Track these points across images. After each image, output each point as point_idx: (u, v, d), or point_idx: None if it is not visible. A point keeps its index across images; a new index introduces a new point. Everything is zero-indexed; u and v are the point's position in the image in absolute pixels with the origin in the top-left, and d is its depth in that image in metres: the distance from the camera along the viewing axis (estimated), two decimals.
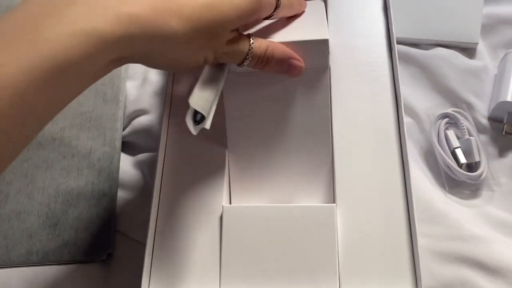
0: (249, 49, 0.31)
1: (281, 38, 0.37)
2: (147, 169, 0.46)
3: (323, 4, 0.41)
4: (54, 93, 0.23)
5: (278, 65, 0.34)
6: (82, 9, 0.23)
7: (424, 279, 0.34)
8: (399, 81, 0.40)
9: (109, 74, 0.49)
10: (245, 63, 0.32)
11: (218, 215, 0.38)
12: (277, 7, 0.33)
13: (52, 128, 0.48)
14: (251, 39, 0.32)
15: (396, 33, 0.42)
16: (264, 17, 0.33)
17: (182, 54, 0.29)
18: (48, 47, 0.22)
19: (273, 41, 0.34)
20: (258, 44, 0.32)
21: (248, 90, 0.41)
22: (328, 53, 0.39)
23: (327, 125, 0.41)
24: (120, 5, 0.24)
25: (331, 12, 0.45)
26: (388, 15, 0.44)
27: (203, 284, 0.37)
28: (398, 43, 0.42)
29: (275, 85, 0.43)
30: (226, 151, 0.41)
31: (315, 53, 0.39)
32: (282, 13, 0.34)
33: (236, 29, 0.30)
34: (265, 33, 0.39)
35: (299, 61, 0.35)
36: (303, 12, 0.39)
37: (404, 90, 0.47)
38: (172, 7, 0.26)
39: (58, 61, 0.22)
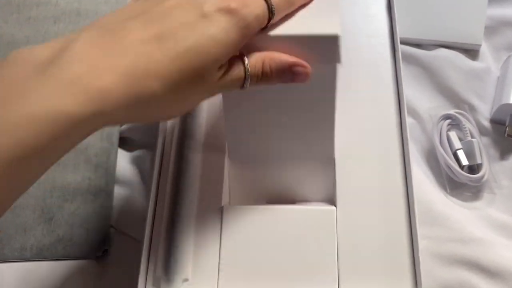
0: (246, 71, 0.28)
1: (282, 31, 0.30)
2: (145, 166, 0.46)
3: None
4: (19, 178, 0.21)
5: (279, 78, 0.29)
6: (47, 87, 0.21)
7: (424, 281, 0.33)
8: (402, 82, 0.40)
9: None
10: (245, 86, 0.29)
11: (218, 215, 0.38)
12: (270, 18, 0.28)
13: None
14: (244, 59, 0.28)
15: (399, 33, 0.42)
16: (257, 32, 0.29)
17: (172, 108, 0.27)
18: (8, 135, 0.20)
19: (269, 52, 0.29)
20: (253, 62, 0.28)
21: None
22: (339, 50, 0.32)
23: (330, 128, 0.38)
24: (89, 79, 0.22)
25: None
26: (392, 15, 0.44)
27: (200, 284, 0.36)
28: (401, 43, 0.42)
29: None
30: (226, 150, 0.40)
31: (322, 50, 0.32)
32: (280, 16, 0.29)
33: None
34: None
35: (303, 66, 0.30)
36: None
37: (406, 91, 0.46)
38: (149, 67, 0.23)
39: (21, 148, 0.20)
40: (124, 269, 0.41)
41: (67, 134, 0.21)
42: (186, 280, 0.36)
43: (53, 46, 0.23)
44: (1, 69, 0.22)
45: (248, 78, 0.28)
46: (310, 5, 0.32)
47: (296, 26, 0.31)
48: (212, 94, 0.28)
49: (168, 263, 0.36)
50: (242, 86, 0.28)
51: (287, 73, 0.29)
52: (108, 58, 0.23)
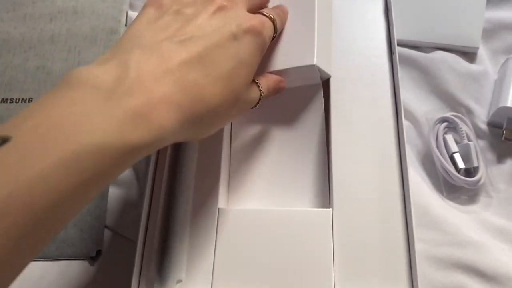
0: (260, 94, 0.32)
1: (275, 66, 0.38)
2: (140, 166, 0.45)
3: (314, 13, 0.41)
4: (79, 201, 0.22)
5: (274, 93, 0.36)
6: (113, 118, 0.23)
7: (420, 285, 0.33)
8: (400, 85, 0.40)
9: None
10: (257, 105, 0.33)
11: (214, 216, 0.38)
12: (276, 30, 0.35)
13: None
14: (258, 84, 0.32)
15: (397, 35, 0.42)
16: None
17: (210, 129, 0.30)
18: (78, 164, 0.21)
19: (266, 73, 0.36)
20: (265, 85, 0.33)
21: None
22: (318, 74, 0.40)
23: (321, 134, 0.41)
24: (149, 111, 0.24)
25: (330, 17, 0.45)
26: (390, 18, 0.44)
27: (194, 286, 0.36)
28: (398, 45, 0.42)
29: (272, 100, 0.43)
30: (222, 153, 0.40)
31: (306, 75, 0.40)
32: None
33: None
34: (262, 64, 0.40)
35: (283, 82, 0.37)
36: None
37: (403, 94, 0.46)
38: (196, 95, 0.26)
39: (87, 175, 0.21)
40: (117, 270, 0.41)
41: (127, 161, 0.23)
42: (180, 281, 0.35)
43: (110, 70, 0.24)
44: (66, 90, 0.23)
45: (261, 99, 0.32)
46: (291, 36, 0.40)
47: (282, 60, 0.38)
48: (241, 113, 0.32)
49: (162, 263, 0.36)
50: (256, 105, 0.33)
51: (278, 90, 0.36)
52: (162, 87, 0.25)
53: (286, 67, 0.39)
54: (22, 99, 0.48)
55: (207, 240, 0.37)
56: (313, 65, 0.38)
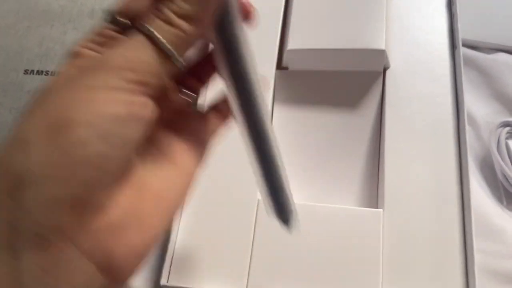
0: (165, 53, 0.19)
1: (337, 44, 0.37)
2: None
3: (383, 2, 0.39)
4: None
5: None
6: None
7: None
8: (462, 83, 0.37)
9: None
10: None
11: (253, 209, 0.35)
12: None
13: None
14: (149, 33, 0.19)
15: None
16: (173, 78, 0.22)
17: None
18: None
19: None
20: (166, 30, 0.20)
21: (298, 87, 0.40)
22: (384, 60, 0.38)
23: (376, 127, 0.39)
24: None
25: (392, 5, 0.42)
26: (453, 11, 0.41)
27: (229, 279, 0.33)
28: None
29: (325, 84, 0.40)
30: None
31: (370, 61, 0.38)
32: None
33: None
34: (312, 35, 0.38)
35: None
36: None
37: None
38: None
39: None
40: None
41: None
42: (214, 272, 0.33)
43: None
44: None
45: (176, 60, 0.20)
46: (360, 16, 0.38)
47: (347, 39, 0.37)
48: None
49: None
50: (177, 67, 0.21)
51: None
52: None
53: (350, 47, 0.37)
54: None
55: (245, 233, 0.35)
56: (383, 50, 0.36)
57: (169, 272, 0.34)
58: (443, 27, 0.41)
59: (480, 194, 0.39)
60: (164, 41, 0.18)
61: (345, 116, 0.40)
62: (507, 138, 0.40)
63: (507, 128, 0.40)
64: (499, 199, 0.39)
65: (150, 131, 0.19)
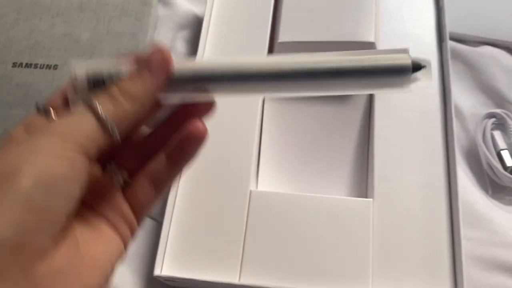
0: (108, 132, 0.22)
1: (326, 37, 0.37)
2: None
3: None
4: None
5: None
6: None
7: (466, 285, 0.31)
8: (450, 75, 0.38)
9: (133, 39, 0.46)
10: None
11: (245, 199, 0.36)
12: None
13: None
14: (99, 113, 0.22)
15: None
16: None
17: None
18: None
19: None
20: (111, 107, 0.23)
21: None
22: None
23: (365, 118, 0.39)
24: None
25: None
26: (441, 4, 0.42)
27: (223, 268, 0.34)
28: None
29: None
30: (256, 132, 0.38)
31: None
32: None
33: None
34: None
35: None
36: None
37: None
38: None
39: None
40: (141, 249, 0.39)
41: None
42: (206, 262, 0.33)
43: None
44: None
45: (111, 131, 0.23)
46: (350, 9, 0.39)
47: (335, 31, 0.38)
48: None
49: (188, 245, 0.34)
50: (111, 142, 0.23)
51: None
52: None
53: (340, 40, 0.38)
54: (47, 65, 0.46)
55: (238, 224, 0.35)
56: (372, 43, 0.37)
57: (163, 263, 0.34)
58: (431, 20, 0.42)
59: (467, 184, 0.39)
60: (103, 114, 0.20)
61: (335, 108, 0.40)
62: (492, 129, 0.41)
63: (492, 119, 0.41)
64: (485, 189, 0.40)
65: (85, 193, 0.21)
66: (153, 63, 0.22)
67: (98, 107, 0.21)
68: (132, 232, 0.24)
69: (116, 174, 0.25)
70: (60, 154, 0.19)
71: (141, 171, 0.25)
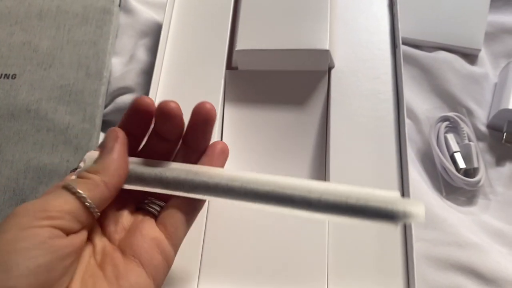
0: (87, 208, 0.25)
1: (283, 45, 0.38)
2: None
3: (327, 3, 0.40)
4: None
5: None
6: None
7: (417, 284, 0.32)
8: (402, 80, 0.39)
9: (94, 47, 0.46)
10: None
11: (203, 211, 0.36)
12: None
13: (27, 98, 0.44)
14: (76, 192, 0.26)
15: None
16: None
17: None
18: None
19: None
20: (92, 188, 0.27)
21: (248, 86, 0.42)
22: (328, 60, 0.40)
23: (322, 124, 0.40)
24: None
25: (336, 6, 0.44)
26: (394, 12, 0.43)
27: (181, 278, 0.34)
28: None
29: (274, 83, 0.41)
30: (216, 137, 0.38)
31: (314, 61, 0.40)
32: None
33: None
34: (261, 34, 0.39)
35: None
36: None
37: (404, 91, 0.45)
38: None
39: None
40: None
41: None
42: None
43: None
44: None
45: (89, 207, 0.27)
46: (305, 19, 0.40)
47: (292, 40, 0.39)
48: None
49: None
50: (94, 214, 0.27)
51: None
52: None
53: (296, 48, 0.38)
54: (5, 74, 0.45)
55: (196, 230, 0.35)
56: (327, 50, 0.38)
57: None
58: (385, 27, 0.43)
59: (422, 186, 0.40)
60: (79, 191, 0.24)
61: (293, 113, 0.41)
62: (446, 132, 0.42)
63: (446, 123, 0.42)
64: (439, 190, 0.41)
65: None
66: (107, 141, 0.27)
67: (72, 186, 0.24)
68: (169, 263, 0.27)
69: (151, 207, 0.29)
70: (41, 232, 0.22)
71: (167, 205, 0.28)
